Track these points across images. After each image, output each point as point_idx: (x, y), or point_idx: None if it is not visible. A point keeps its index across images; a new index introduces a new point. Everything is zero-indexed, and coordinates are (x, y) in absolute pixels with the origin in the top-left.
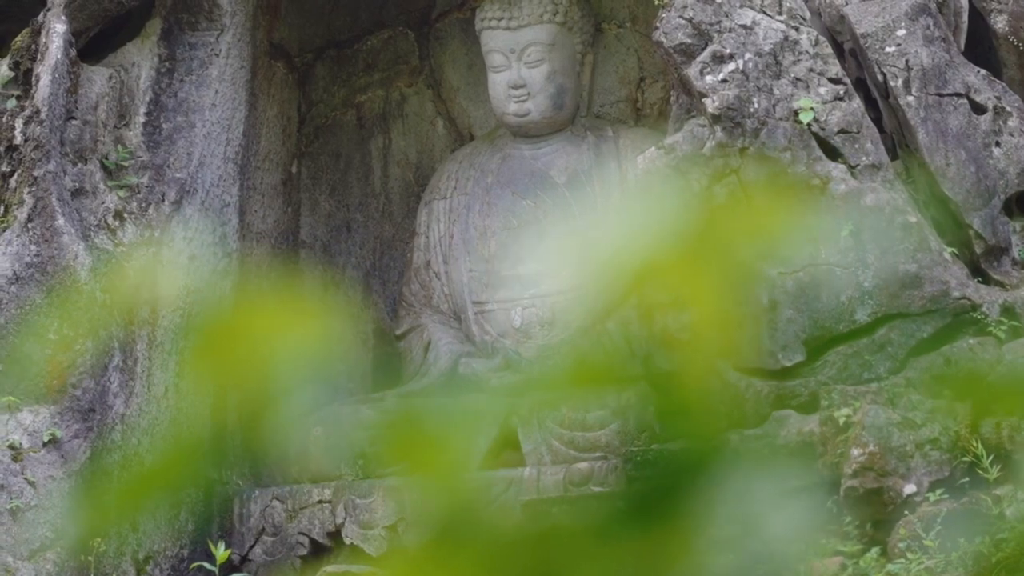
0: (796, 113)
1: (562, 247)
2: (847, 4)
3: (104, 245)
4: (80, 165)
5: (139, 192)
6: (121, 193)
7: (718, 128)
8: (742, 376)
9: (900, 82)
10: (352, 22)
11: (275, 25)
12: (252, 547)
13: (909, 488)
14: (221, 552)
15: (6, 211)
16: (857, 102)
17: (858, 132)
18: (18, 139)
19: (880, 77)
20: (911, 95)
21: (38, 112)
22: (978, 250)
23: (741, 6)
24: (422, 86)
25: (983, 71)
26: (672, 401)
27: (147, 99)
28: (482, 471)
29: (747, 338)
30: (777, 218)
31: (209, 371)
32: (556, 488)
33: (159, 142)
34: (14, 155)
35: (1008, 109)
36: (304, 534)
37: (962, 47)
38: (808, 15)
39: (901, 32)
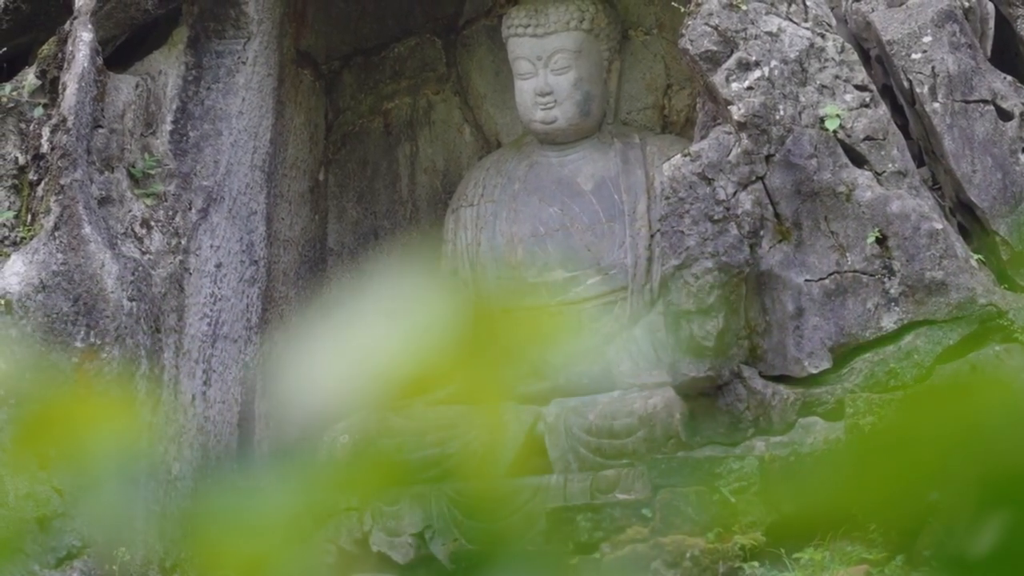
0: (822, 120)
1: (331, 357)
2: (873, 11)
3: (131, 253)
4: (107, 173)
5: (166, 200)
6: (148, 201)
7: (744, 135)
8: (768, 383)
9: (926, 89)
10: (379, 29)
11: (302, 33)
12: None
13: (933, 495)
14: None
15: (33, 219)
16: (883, 109)
17: (884, 139)
18: (45, 147)
19: (906, 84)
20: (937, 102)
21: (65, 120)
22: (1004, 257)
23: (767, 13)
24: (449, 93)
25: (1009, 78)
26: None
27: (174, 107)
28: (509, 478)
29: (773, 345)
30: (545, 330)
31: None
32: (583, 495)
33: (186, 150)
34: (41, 163)
35: None
36: (331, 542)
37: (988, 54)
38: (834, 22)
39: (927, 39)
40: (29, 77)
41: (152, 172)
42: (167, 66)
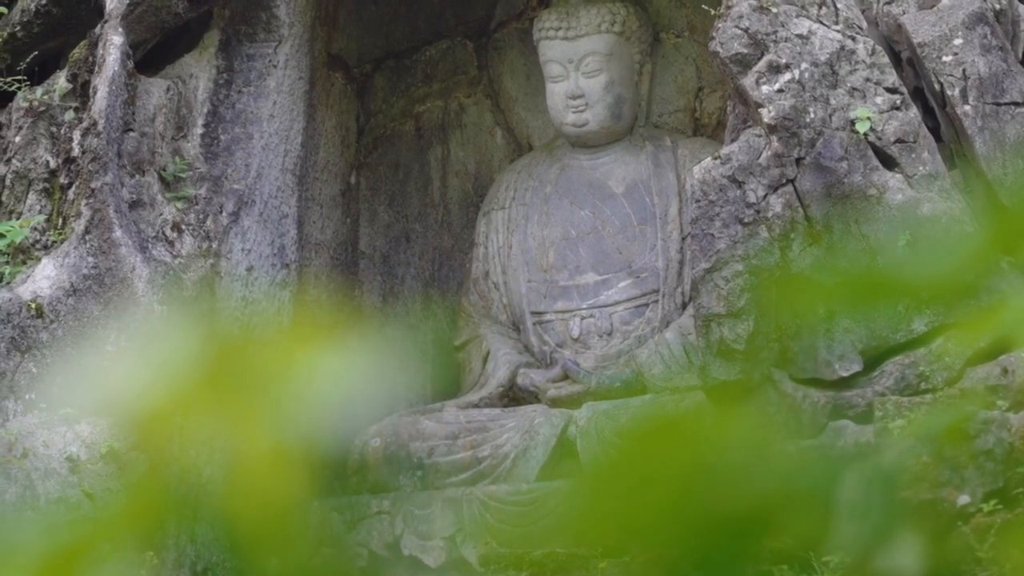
0: (853, 123)
1: (82, 384)
2: (904, 13)
3: (162, 257)
4: (138, 177)
5: (197, 204)
6: (179, 205)
7: (774, 138)
8: (799, 386)
9: (957, 91)
10: (410, 32)
11: (333, 36)
12: (310, 559)
13: (963, 499)
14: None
15: (64, 223)
16: (914, 112)
17: (915, 142)
18: (76, 151)
19: (937, 86)
20: (968, 104)
21: (95, 124)
22: None
23: (797, 16)
24: (481, 96)
25: None
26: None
27: (205, 110)
28: (540, 482)
29: (803, 348)
30: (314, 355)
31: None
32: None
33: (217, 153)
34: (72, 167)
35: None
36: (362, 545)
37: (1020, 56)
38: (865, 24)
39: (958, 41)
40: (60, 81)
41: (183, 175)
42: (198, 70)
